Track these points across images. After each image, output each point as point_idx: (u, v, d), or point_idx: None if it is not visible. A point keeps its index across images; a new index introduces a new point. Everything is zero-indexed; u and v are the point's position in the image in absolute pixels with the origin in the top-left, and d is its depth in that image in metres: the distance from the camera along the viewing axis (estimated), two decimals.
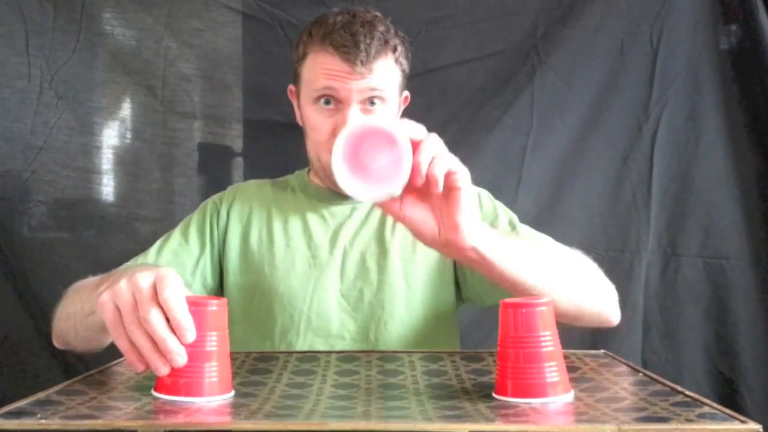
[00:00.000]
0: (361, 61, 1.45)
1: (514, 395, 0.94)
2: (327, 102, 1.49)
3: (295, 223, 1.59)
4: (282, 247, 1.56)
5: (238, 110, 2.06)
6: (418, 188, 1.04)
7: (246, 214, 1.61)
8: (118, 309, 0.96)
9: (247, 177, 2.06)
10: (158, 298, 0.93)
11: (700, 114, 2.00)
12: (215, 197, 1.66)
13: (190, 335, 0.92)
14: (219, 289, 1.61)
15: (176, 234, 1.60)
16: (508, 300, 0.97)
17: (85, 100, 2.02)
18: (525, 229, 1.56)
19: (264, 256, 1.56)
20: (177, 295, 0.93)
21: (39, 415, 0.84)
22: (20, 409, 0.87)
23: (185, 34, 2.03)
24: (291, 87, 1.61)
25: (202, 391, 0.93)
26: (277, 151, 2.03)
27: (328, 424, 0.82)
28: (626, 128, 2.01)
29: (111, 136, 2.05)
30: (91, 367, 1.16)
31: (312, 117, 1.52)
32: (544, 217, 1.99)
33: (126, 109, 2.05)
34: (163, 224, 2.02)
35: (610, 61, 2.01)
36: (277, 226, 1.59)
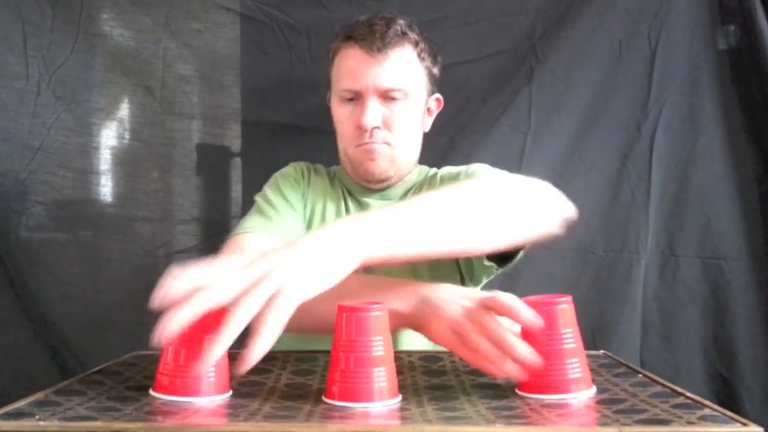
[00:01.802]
0: (378, 48, 1.52)
1: (538, 392, 0.95)
2: (350, 99, 1.56)
3: (335, 211, 1.64)
4: None
5: (236, 111, 2.06)
6: None
7: (314, 194, 1.65)
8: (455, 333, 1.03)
9: (245, 177, 2.06)
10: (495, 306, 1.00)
11: (698, 114, 2.00)
12: (292, 169, 1.69)
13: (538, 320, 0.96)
14: None
15: (275, 202, 1.59)
16: (529, 298, 0.99)
17: (83, 101, 2.01)
18: (464, 169, 1.61)
19: None
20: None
21: (38, 417, 0.84)
22: (19, 410, 0.87)
23: (184, 35, 2.03)
24: (329, 93, 1.68)
25: (199, 391, 0.94)
26: (275, 151, 2.03)
27: (328, 426, 0.81)
28: (624, 129, 2.01)
29: (109, 137, 2.05)
30: (88, 367, 1.16)
31: (338, 112, 1.60)
32: None
33: (124, 110, 2.05)
34: (161, 225, 2.02)
35: (608, 62, 2.01)
36: (330, 211, 1.63)
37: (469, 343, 1.01)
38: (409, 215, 1.08)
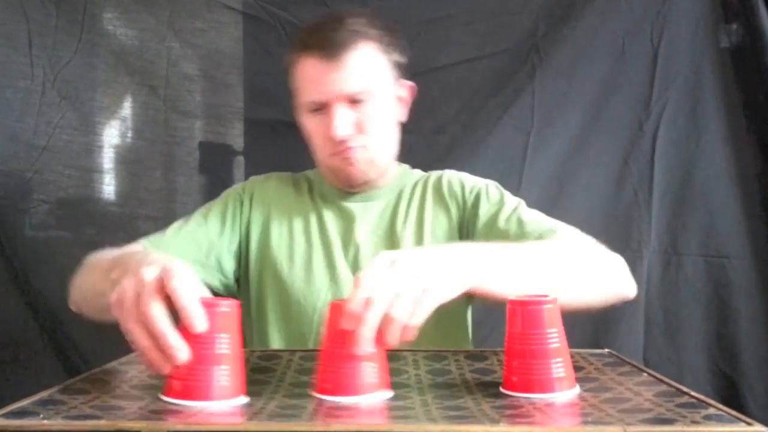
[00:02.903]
0: (334, 53, 1.46)
1: (521, 390, 0.95)
2: (316, 110, 1.50)
3: (312, 220, 1.60)
4: (301, 243, 1.57)
5: (239, 109, 2.07)
6: None
7: (267, 208, 1.62)
8: (137, 301, 0.93)
9: (248, 175, 2.05)
10: (165, 289, 0.91)
11: (700, 113, 2.00)
12: (237, 188, 1.66)
13: (200, 324, 0.90)
14: (236, 278, 1.61)
15: (195, 216, 1.60)
16: (515, 298, 0.99)
17: (87, 100, 2.02)
18: (531, 218, 1.53)
19: (283, 249, 1.57)
20: (186, 283, 0.92)
21: (42, 415, 0.84)
22: (23, 409, 0.87)
23: (187, 34, 2.03)
24: (294, 107, 1.63)
25: (211, 395, 0.91)
26: (278, 149, 2.04)
27: (332, 425, 0.82)
28: (627, 127, 2.01)
29: (113, 136, 2.05)
30: (93, 365, 1.16)
31: (307, 125, 1.55)
32: None
33: (128, 109, 2.06)
34: (165, 223, 2.00)
35: (610, 60, 2.01)
36: (297, 222, 1.60)
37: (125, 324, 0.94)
38: (519, 260, 1.20)
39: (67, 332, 1.98)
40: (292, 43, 1.56)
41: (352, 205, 1.61)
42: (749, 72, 1.97)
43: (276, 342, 1.53)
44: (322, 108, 1.49)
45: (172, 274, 0.92)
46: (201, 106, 2.06)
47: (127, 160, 2.06)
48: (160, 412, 0.87)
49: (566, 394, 0.95)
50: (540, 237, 1.41)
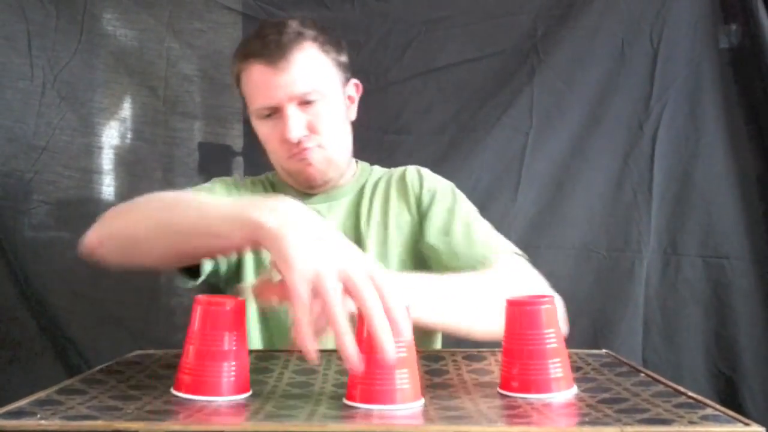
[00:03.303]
0: (278, 57, 1.46)
1: (519, 390, 0.95)
2: (268, 115, 1.51)
3: None
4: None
5: (238, 110, 2.07)
6: None
7: None
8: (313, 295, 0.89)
9: (247, 175, 2.06)
10: (374, 282, 0.89)
11: (700, 113, 2.00)
12: (206, 186, 1.63)
13: (403, 331, 0.89)
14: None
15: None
16: (513, 298, 0.99)
17: (87, 101, 2.02)
18: (480, 239, 1.51)
19: (250, 255, 1.55)
20: (392, 284, 0.90)
21: (39, 416, 0.84)
22: (20, 409, 0.87)
23: (187, 35, 2.04)
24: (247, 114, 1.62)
25: (220, 390, 0.94)
26: None
27: (329, 426, 0.82)
28: (626, 128, 2.01)
29: (113, 137, 2.06)
30: (93, 365, 1.17)
31: (260, 130, 1.55)
32: (544, 217, 2.00)
33: (127, 110, 2.06)
34: None
35: (610, 61, 2.01)
36: None
37: (326, 307, 0.88)
38: (455, 292, 1.27)
39: (67, 333, 1.99)
40: (235, 55, 1.56)
41: (314, 207, 1.57)
42: (749, 72, 1.97)
43: (257, 344, 1.52)
44: (273, 112, 1.50)
45: (378, 270, 0.90)
46: (200, 106, 2.06)
47: (126, 160, 2.06)
48: (157, 413, 0.87)
49: (564, 394, 0.95)
50: (482, 262, 1.42)
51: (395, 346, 0.87)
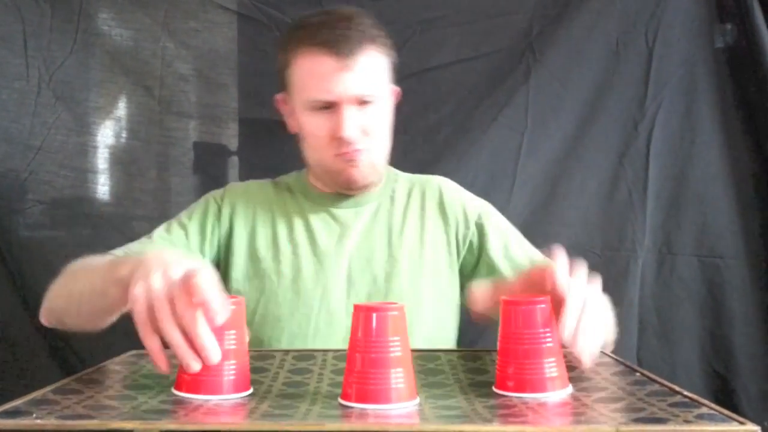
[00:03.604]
0: (347, 53, 1.43)
1: (514, 390, 0.96)
2: (321, 108, 1.47)
3: (299, 228, 1.57)
4: (288, 254, 1.54)
5: (234, 110, 2.06)
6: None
7: (250, 219, 1.58)
8: (150, 307, 0.96)
9: (242, 175, 2.06)
10: (189, 284, 0.93)
11: (695, 113, 2.01)
12: (216, 197, 1.62)
13: (222, 317, 0.93)
14: None
15: (176, 226, 1.57)
16: (509, 298, 0.99)
17: (82, 100, 2.02)
18: (532, 251, 1.58)
19: (270, 262, 1.53)
20: (210, 280, 0.93)
21: (35, 415, 0.84)
22: (16, 409, 0.87)
23: (182, 35, 2.03)
24: (279, 96, 1.60)
25: (221, 389, 0.95)
26: (272, 149, 2.03)
27: (325, 425, 0.82)
28: (622, 127, 2.01)
29: (108, 136, 2.05)
30: (89, 364, 1.17)
31: (308, 123, 1.50)
32: (539, 217, 2.00)
33: (123, 109, 2.06)
34: (160, 223, 2.01)
35: (605, 61, 2.01)
36: (282, 231, 1.56)
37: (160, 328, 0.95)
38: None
39: (63, 332, 1.98)
40: (289, 36, 1.52)
41: (344, 211, 1.58)
42: (744, 72, 1.97)
43: None
44: (328, 107, 1.46)
45: (196, 271, 0.94)
46: (195, 106, 2.06)
47: (121, 160, 2.05)
48: (152, 412, 0.87)
49: (559, 393, 0.95)
50: None
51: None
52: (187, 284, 0.94)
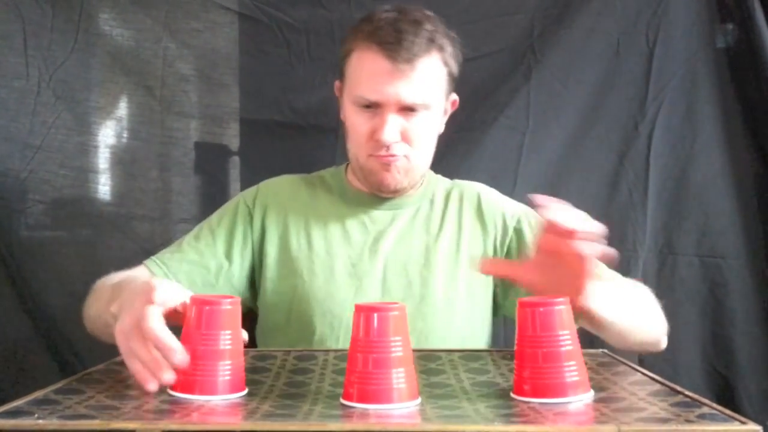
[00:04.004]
0: (405, 59, 1.42)
1: (532, 395, 0.94)
2: (367, 106, 1.46)
3: (334, 228, 1.56)
4: (322, 254, 1.53)
5: (235, 110, 2.06)
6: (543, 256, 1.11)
7: (282, 220, 1.58)
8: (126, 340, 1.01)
9: (243, 176, 2.06)
10: (142, 329, 0.99)
11: (696, 113, 2.00)
12: (247, 198, 1.61)
13: (179, 356, 0.96)
14: (250, 291, 1.58)
15: (204, 233, 1.57)
16: (525, 299, 0.97)
17: (83, 100, 2.01)
18: None
19: (303, 262, 1.53)
20: (155, 326, 0.98)
21: (36, 415, 0.84)
22: (18, 409, 0.87)
23: (183, 35, 2.03)
24: (337, 83, 1.59)
25: (215, 389, 0.95)
26: (273, 150, 2.03)
27: (327, 425, 0.82)
28: (622, 127, 2.01)
29: (109, 136, 2.05)
30: (89, 365, 1.17)
31: (352, 117, 1.50)
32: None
33: (124, 109, 2.05)
34: (161, 223, 2.02)
35: (606, 61, 2.01)
36: (316, 231, 1.56)
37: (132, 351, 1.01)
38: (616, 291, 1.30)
39: (64, 332, 1.98)
40: (356, 27, 1.51)
41: (381, 213, 1.58)
42: (745, 72, 1.97)
43: None
44: (373, 106, 1.46)
45: (143, 315, 0.99)
46: (197, 106, 2.06)
47: (122, 160, 2.05)
48: (154, 412, 0.87)
49: (581, 398, 0.93)
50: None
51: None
52: (139, 328, 0.99)
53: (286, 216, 1.58)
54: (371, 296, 1.50)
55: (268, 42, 2.02)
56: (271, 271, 1.55)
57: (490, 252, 1.57)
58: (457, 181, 1.68)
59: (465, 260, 1.54)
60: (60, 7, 1.98)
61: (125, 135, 2.05)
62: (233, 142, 2.08)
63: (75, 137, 2.01)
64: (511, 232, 1.58)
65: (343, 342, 1.47)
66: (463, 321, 1.53)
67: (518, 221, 1.59)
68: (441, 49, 1.48)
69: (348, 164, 1.65)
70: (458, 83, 2.01)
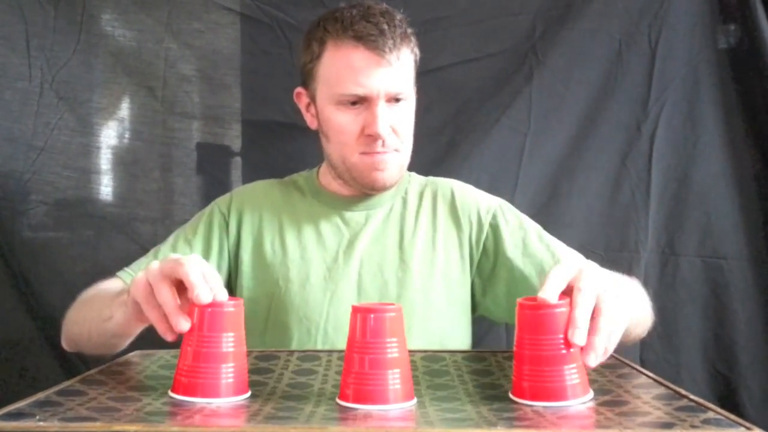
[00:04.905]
0: (388, 49, 1.40)
1: (532, 398, 0.93)
2: (352, 102, 1.44)
3: (308, 232, 1.55)
4: (296, 259, 1.52)
5: (237, 110, 2.06)
6: None
7: (257, 226, 1.56)
8: (149, 284, 1.02)
9: (245, 176, 2.06)
10: (175, 273, 1.01)
11: (698, 114, 2.00)
12: (221, 205, 1.60)
13: (205, 296, 0.97)
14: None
15: (180, 242, 1.56)
16: (524, 301, 0.96)
17: (85, 101, 2.02)
18: (553, 243, 1.55)
19: (278, 269, 1.52)
20: (193, 266, 1.00)
21: (38, 417, 0.84)
22: (19, 410, 0.87)
23: (185, 36, 2.03)
24: (299, 90, 1.57)
25: (218, 391, 0.95)
26: (275, 150, 2.03)
27: (329, 429, 0.82)
28: (625, 128, 2.01)
29: (111, 137, 2.05)
30: (91, 366, 1.17)
31: (336, 118, 1.46)
32: (541, 218, 1.98)
33: (126, 110, 2.05)
34: (163, 224, 2.03)
35: (608, 62, 2.01)
36: (290, 235, 1.54)
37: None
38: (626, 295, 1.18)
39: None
40: (321, 27, 1.48)
41: (355, 215, 1.56)
42: (747, 73, 1.97)
43: None
44: (359, 103, 1.44)
45: (181, 261, 1.01)
46: (198, 107, 2.06)
47: (124, 161, 2.05)
48: (156, 414, 0.87)
49: (580, 401, 0.92)
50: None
51: None
52: (170, 274, 1.02)
53: (260, 222, 1.57)
54: (347, 300, 1.47)
55: (270, 42, 2.02)
56: (246, 278, 1.54)
57: (466, 249, 1.55)
58: (431, 178, 1.67)
59: (441, 258, 1.53)
60: (62, 9, 1.99)
61: (127, 136, 2.06)
62: (235, 142, 2.08)
63: (77, 138, 2.01)
64: (486, 227, 1.56)
65: (321, 347, 1.47)
66: (441, 320, 1.51)
67: (494, 216, 1.57)
68: (410, 39, 1.48)
69: (319, 167, 1.64)
70: (460, 84, 2.01)
